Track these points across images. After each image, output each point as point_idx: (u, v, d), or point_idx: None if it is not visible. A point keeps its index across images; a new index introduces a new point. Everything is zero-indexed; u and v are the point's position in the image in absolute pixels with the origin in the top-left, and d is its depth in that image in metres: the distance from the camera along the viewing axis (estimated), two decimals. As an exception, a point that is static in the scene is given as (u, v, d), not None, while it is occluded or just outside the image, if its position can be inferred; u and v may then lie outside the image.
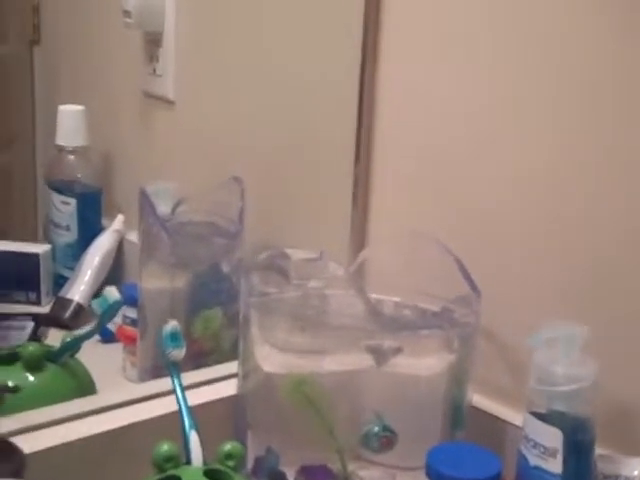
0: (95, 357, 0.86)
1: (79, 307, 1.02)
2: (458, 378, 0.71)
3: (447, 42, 0.78)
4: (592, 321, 0.63)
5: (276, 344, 0.71)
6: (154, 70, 1.09)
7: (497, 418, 0.73)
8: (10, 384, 0.73)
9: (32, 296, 1.06)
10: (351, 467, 0.70)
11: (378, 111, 0.84)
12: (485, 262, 0.74)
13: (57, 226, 1.12)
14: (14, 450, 0.56)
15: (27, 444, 0.61)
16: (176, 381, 0.66)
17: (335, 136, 0.88)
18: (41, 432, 0.66)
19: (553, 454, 0.62)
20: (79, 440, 0.66)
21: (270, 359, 0.71)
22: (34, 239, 1.17)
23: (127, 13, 1.04)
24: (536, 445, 0.63)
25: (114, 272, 1.09)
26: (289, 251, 0.75)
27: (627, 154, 0.66)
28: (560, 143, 0.70)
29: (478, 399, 0.73)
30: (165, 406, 0.70)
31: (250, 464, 0.71)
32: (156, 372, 0.82)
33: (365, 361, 0.70)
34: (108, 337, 0.94)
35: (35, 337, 0.98)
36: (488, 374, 0.74)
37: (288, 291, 0.73)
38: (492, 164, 0.75)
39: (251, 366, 0.72)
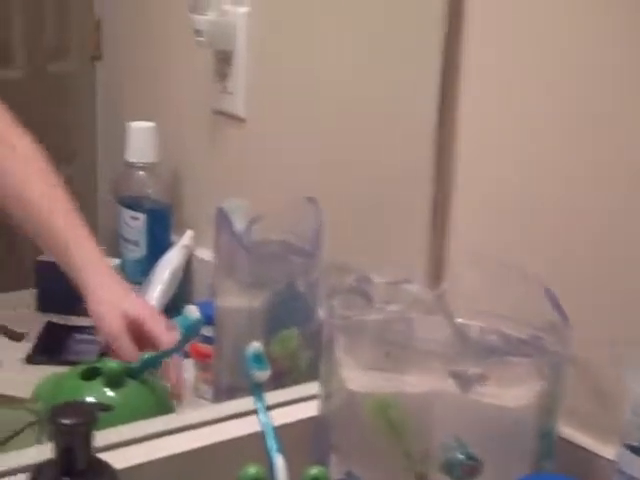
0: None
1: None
2: (547, 408, 0.69)
3: (533, 64, 0.77)
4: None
5: (360, 366, 0.70)
6: (225, 88, 1.09)
7: (586, 450, 0.71)
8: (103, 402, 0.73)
9: (103, 310, 1.06)
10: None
11: (458, 131, 0.83)
12: (573, 289, 0.72)
13: (127, 241, 1.12)
14: (106, 467, 0.55)
15: (113, 461, 0.61)
16: (260, 403, 0.66)
17: (413, 156, 0.87)
18: (126, 449, 0.66)
19: (652, 490, 0.60)
20: (163, 459, 0.66)
21: (354, 379, 0.70)
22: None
23: (199, 32, 1.05)
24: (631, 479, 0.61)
25: (182, 288, 1.10)
26: (372, 274, 0.75)
27: None
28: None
29: (566, 430, 0.72)
30: (245, 427, 0.70)
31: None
32: (231, 392, 0.82)
33: (448, 387, 0.69)
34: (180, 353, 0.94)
35: (105, 350, 0.99)
36: (578, 404, 0.73)
37: (371, 314, 0.73)
38: (581, 188, 0.74)
39: (334, 386, 0.71)
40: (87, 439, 0.52)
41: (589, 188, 0.73)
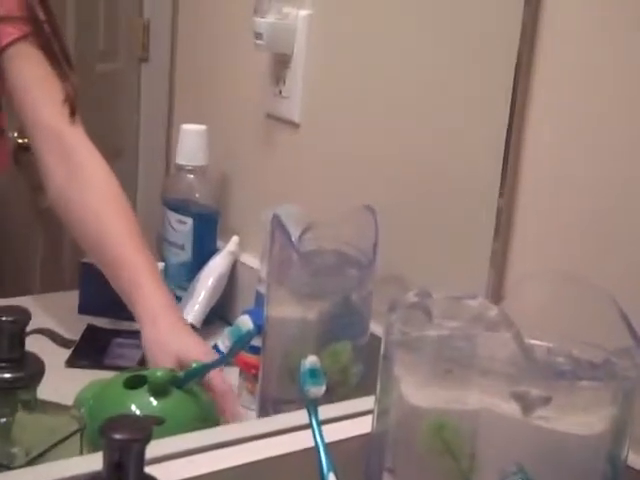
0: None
1: (192, 328, 0.99)
2: (616, 437, 0.65)
3: (599, 75, 0.73)
4: None
5: (419, 382, 0.67)
6: (280, 92, 1.06)
7: (656, 482, 0.67)
8: (135, 412, 0.70)
9: (147, 314, 1.04)
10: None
11: (527, 141, 0.80)
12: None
13: (172, 245, 1.10)
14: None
15: (159, 475, 0.58)
16: (314, 420, 0.62)
17: (478, 167, 0.84)
18: (170, 463, 0.63)
19: None
20: (208, 474, 0.63)
21: (413, 395, 0.67)
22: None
23: (259, 35, 1.02)
24: None
25: (227, 295, 1.07)
26: (432, 289, 0.71)
27: None
28: None
29: (634, 458, 0.68)
30: (295, 443, 0.67)
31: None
32: (277, 405, 0.79)
33: (511, 409, 0.65)
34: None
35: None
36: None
37: (431, 330, 0.69)
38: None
39: (391, 402, 0.67)
40: (140, 455, 0.49)
41: None
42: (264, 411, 0.81)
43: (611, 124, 0.73)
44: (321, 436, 0.62)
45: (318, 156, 1.03)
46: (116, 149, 1.30)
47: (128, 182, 1.28)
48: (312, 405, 0.63)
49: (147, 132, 1.33)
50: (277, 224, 0.81)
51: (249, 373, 0.87)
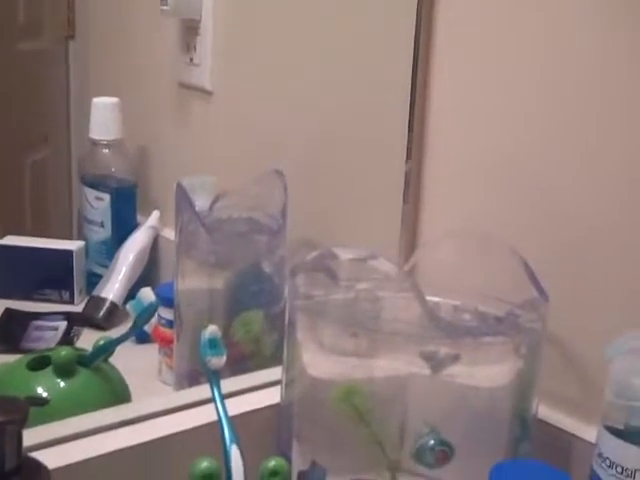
0: (131, 359, 0.81)
1: (113, 306, 0.98)
2: (523, 389, 0.65)
3: (504, 36, 0.72)
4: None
5: (324, 349, 0.66)
6: (191, 59, 1.04)
7: (565, 432, 0.67)
8: (41, 394, 0.68)
9: (65, 295, 1.02)
10: (402, 483, 0.65)
11: (431, 103, 0.79)
12: (552, 264, 0.68)
13: (90, 222, 1.07)
14: (38, 468, 0.51)
15: (54, 458, 0.57)
16: (216, 391, 0.61)
17: (385, 127, 0.82)
18: (71, 444, 0.61)
19: (632, 475, 0.56)
20: (111, 453, 0.61)
21: (317, 364, 0.66)
22: (70, 237, 1.13)
23: (163, 0, 1.00)
24: (612, 464, 0.57)
25: (149, 270, 1.05)
26: (337, 250, 0.70)
27: None
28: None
29: (544, 411, 0.67)
30: (204, 416, 0.65)
31: (295, 478, 0.66)
32: (193, 377, 0.78)
33: (419, 369, 0.65)
34: (143, 338, 0.90)
35: (68, 337, 0.94)
36: (555, 384, 0.68)
37: (336, 293, 0.68)
38: (558, 157, 0.69)
39: (297, 372, 0.66)
40: (16, 437, 0.47)
41: (567, 158, 0.69)
42: (180, 385, 0.80)
43: (517, 82, 0.72)
44: (223, 407, 0.60)
45: (232, 123, 1.01)
46: (45, 131, 1.26)
47: (60, 164, 1.25)
48: (213, 376, 0.61)
49: (76, 112, 1.29)
50: (182, 195, 0.79)
51: (167, 348, 0.86)
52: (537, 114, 0.70)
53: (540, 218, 0.71)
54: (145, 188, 1.11)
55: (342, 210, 0.86)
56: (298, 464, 0.66)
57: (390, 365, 0.66)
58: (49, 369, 0.70)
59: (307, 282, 0.68)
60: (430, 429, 0.64)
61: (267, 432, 0.67)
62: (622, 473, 0.56)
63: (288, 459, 0.63)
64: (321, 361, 0.66)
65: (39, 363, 0.71)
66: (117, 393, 0.72)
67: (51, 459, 0.55)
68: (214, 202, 0.85)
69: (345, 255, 0.69)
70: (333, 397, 0.64)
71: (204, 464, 0.55)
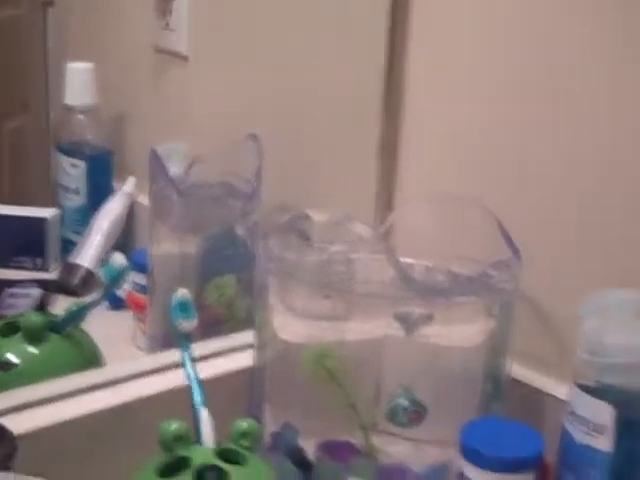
0: (105, 325, 0.81)
1: (88, 273, 0.96)
2: (496, 348, 0.65)
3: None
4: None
5: (296, 312, 0.65)
6: (167, 24, 1.02)
7: (537, 390, 0.67)
8: (9, 359, 0.67)
9: (39, 262, 1.01)
10: (376, 442, 0.65)
11: (408, 68, 0.78)
12: (526, 225, 0.67)
13: (66, 190, 1.06)
14: (3, 432, 0.50)
15: (23, 423, 0.56)
16: (186, 354, 0.61)
17: (361, 90, 0.81)
18: (39, 409, 0.61)
19: (602, 431, 0.56)
20: (80, 418, 0.61)
21: (289, 327, 0.65)
22: (50, 204, 1.12)
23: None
24: (583, 421, 0.57)
25: (125, 237, 1.04)
26: (311, 212, 0.69)
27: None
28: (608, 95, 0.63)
29: (517, 370, 0.67)
30: (175, 379, 0.64)
31: (266, 440, 0.66)
32: (167, 341, 0.77)
33: (393, 330, 0.64)
34: (118, 304, 0.89)
35: (42, 305, 0.93)
36: (529, 344, 0.68)
37: (309, 256, 0.68)
38: (531, 121, 0.69)
39: (268, 335, 0.66)
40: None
41: (540, 122, 0.68)
42: (154, 350, 0.79)
43: (492, 49, 0.71)
44: (193, 370, 0.60)
45: (207, 88, 0.99)
46: (23, 99, 1.25)
47: (39, 132, 1.23)
48: (184, 339, 0.61)
49: (55, 80, 1.26)
50: (155, 160, 0.78)
51: (141, 314, 0.85)
52: (512, 79, 0.70)
53: (514, 180, 0.71)
54: (121, 154, 1.10)
55: (318, 173, 0.85)
56: (270, 426, 0.66)
57: (363, 327, 0.65)
58: (19, 335, 0.70)
59: (280, 245, 0.67)
60: (403, 390, 0.64)
61: (239, 395, 0.67)
62: (593, 429, 0.56)
63: (260, 422, 0.63)
64: (292, 324, 0.65)
65: (9, 329, 0.70)
66: (88, 359, 0.71)
67: (19, 424, 0.55)
68: (188, 168, 0.84)
69: (318, 217, 0.69)
70: (305, 359, 0.64)
71: (173, 426, 0.55)
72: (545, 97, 0.68)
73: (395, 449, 0.65)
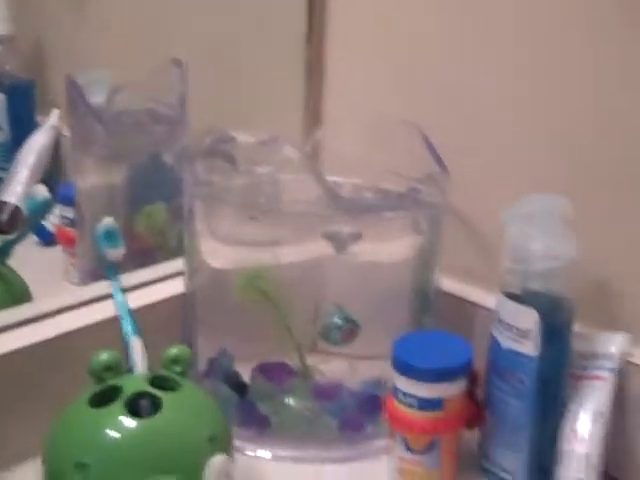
0: (37, 261, 0.80)
1: (16, 209, 0.94)
2: (425, 262, 0.65)
3: None
4: (569, 197, 0.58)
5: (224, 237, 0.65)
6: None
7: (467, 301, 0.68)
8: None
9: (-36, 201, 0.98)
10: (311, 361, 0.66)
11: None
12: (453, 140, 0.67)
13: (-13, 125, 1.03)
14: None
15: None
16: (114, 283, 0.60)
17: (285, 9, 0.80)
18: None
19: (527, 336, 0.57)
20: (10, 353, 0.60)
21: (218, 254, 0.65)
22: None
23: None
24: (509, 327, 0.58)
25: (52, 171, 1.02)
26: (236, 134, 0.68)
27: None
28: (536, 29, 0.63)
29: (447, 282, 0.68)
30: (106, 310, 0.64)
31: (202, 366, 0.66)
32: (98, 274, 0.76)
33: (324, 249, 0.64)
34: (49, 239, 0.87)
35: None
36: (459, 257, 0.69)
37: (236, 178, 0.67)
38: (458, 39, 0.68)
39: (198, 262, 0.65)
40: None
41: (466, 38, 0.68)
42: (85, 284, 0.78)
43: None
44: (123, 299, 0.59)
45: (129, 12, 0.96)
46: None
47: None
48: (111, 269, 0.60)
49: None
50: (73, 89, 0.76)
51: (71, 248, 0.83)
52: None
53: (439, 96, 0.70)
54: (43, 87, 1.06)
55: (244, 96, 0.84)
56: (206, 352, 0.66)
57: (293, 248, 0.65)
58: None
59: (206, 169, 0.66)
60: (336, 308, 0.65)
61: (172, 323, 0.67)
62: (518, 334, 0.58)
63: (194, 348, 0.63)
64: (220, 250, 0.65)
65: None
66: (15, 295, 0.70)
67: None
68: (111, 96, 0.81)
69: (244, 139, 0.68)
70: (237, 284, 0.64)
71: (103, 356, 0.55)
72: (473, 13, 0.67)
73: (330, 367, 0.66)
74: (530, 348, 0.57)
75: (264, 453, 0.64)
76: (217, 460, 0.52)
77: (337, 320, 0.65)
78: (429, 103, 0.71)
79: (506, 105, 0.66)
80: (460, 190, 0.66)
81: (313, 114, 0.79)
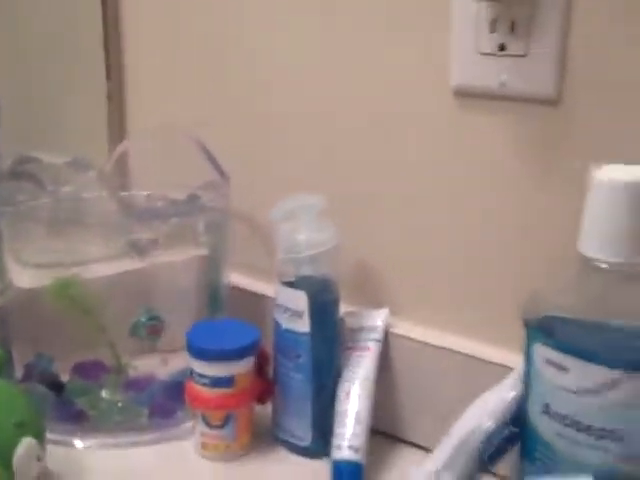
0: None
1: None
2: (214, 261, 0.73)
3: None
4: (329, 193, 0.66)
5: (29, 258, 0.70)
6: None
7: (256, 294, 0.76)
8: None
9: None
10: (126, 359, 0.72)
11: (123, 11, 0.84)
12: (234, 149, 0.76)
13: None
14: None
15: None
16: None
17: (81, 28, 0.86)
18: None
19: (300, 315, 0.66)
20: None
21: (27, 274, 0.71)
22: None
23: None
24: (286, 310, 0.66)
25: None
26: (43, 156, 0.74)
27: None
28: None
29: (238, 279, 0.76)
30: None
31: (19, 372, 0.71)
32: None
33: (128, 256, 0.71)
34: None
35: None
36: (245, 255, 0.77)
37: (41, 198, 0.73)
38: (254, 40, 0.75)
39: (7, 282, 0.71)
40: None
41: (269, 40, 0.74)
42: None
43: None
44: None
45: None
46: None
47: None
48: None
49: None
50: None
51: None
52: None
53: (222, 114, 0.78)
54: None
55: (49, 119, 0.89)
56: (22, 359, 0.71)
57: (101, 258, 0.72)
58: None
59: (13, 190, 0.72)
60: (144, 309, 0.71)
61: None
62: (293, 315, 0.66)
63: (10, 353, 0.69)
64: (30, 270, 0.70)
65: None
66: None
67: None
68: None
69: (51, 160, 0.74)
70: (49, 293, 0.69)
71: None
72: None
73: (143, 362, 0.72)
74: (303, 326, 0.66)
75: (80, 443, 0.70)
76: (25, 443, 0.58)
77: (142, 318, 0.71)
78: (217, 122, 0.78)
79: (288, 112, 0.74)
80: (241, 193, 0.74)
81: (117, 133, 0.86)
